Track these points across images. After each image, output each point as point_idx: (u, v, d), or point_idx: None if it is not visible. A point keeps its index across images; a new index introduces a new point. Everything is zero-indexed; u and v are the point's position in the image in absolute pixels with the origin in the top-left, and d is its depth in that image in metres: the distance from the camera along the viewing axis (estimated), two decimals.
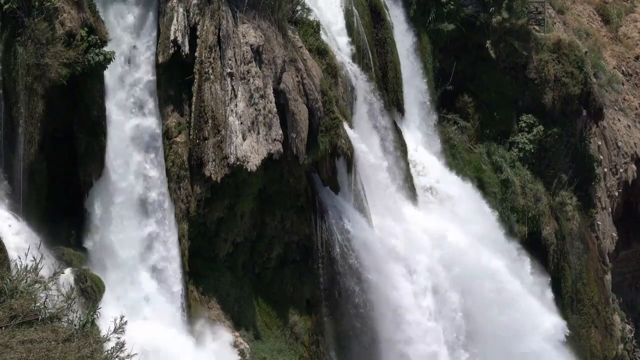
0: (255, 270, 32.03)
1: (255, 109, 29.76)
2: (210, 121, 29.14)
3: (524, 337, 38.14)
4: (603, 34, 53.32)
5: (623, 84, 51.59)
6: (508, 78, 43.78)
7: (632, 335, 50.13)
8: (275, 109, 30.10)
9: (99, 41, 26.27)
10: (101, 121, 26.81)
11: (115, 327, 12.47)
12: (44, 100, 25.50)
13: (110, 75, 27.45)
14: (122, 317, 12.72)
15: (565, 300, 43.63)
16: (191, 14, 29.20)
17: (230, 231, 30.84)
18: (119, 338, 12.62)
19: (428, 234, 36.40)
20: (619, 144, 49.56)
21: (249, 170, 29.39)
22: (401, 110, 38.93)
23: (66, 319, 13.17)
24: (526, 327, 38.14)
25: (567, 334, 39.97)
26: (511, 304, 37.73)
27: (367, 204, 34.03)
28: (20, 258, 14.27)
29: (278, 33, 31.00)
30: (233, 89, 29.58)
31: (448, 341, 35.33)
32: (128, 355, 12.47)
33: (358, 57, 36.30)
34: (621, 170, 49.37)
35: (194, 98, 29.19)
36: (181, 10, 28.97)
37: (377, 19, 38.00)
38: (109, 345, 12.74)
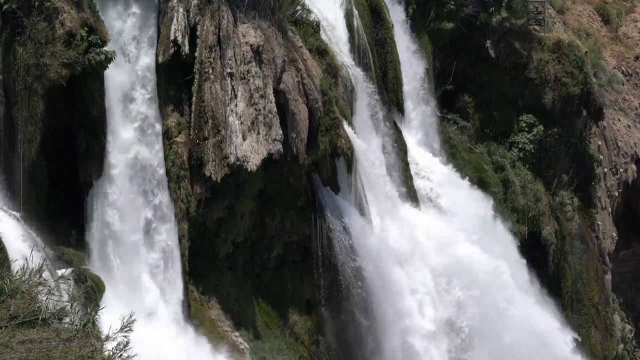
0: (255, 270, 32.01)
1: (255, 109, 29.73)
2: (210, 121, 29.10)
3: None
4: (603, 34, 53.26)
5: (623, 84, 51.52)
6: (508, 78, 43.76)
7: (632, 335, 50.07)
8: (275, 109, 30.08)
9: (99, 41, 26.23)
10: (101, 121, 26.77)
11: (122, 326, 12.38)
12: (44, 100, 25.46)
13: None
14: (131, 315, 12.60)
15: (565, 300, 43.58)
16: (191, 14, 29.16)
17: (230, 231, 30.82)
18: (125, 337, 12.52)
19: (427, 233, 36.38)
20: (619, 144, 49.53)
21: (249, 170, 29.37)
22: (401, 110, 38.91)
23: (67, 319, 13.11)
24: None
25: None
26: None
27: (367, 204, 34.01)
28: (27, 260, 14.17)
29: (278, 33, 30.97)
30: (233, 89, 29.55)
31: (451, 336, 35.37)
32: (129, 356, 12.41)
33: (358, 57, 36.28)
34: (621, 170, 49.33)
35: (194, 98, 29.15)
36: (181, 10, 28.91)
37: (377, 19, 37.98)
38: (112, 345, 12.64)
